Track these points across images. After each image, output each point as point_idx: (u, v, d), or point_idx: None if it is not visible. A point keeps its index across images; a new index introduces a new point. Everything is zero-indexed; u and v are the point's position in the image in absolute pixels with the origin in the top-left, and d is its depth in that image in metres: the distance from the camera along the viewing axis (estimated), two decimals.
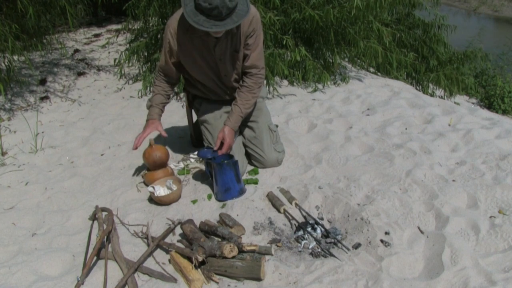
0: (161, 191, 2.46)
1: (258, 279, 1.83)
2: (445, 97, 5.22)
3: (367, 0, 4.00)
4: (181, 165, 2.81)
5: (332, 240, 2.08)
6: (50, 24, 4.46)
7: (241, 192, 2.41)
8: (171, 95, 2.70)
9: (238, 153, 2.59)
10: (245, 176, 2.65)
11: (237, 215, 2.28)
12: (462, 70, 5.77)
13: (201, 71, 2.46)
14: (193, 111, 2.90)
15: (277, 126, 2.98)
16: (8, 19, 3.78)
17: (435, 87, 5.48)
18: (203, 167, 2.77)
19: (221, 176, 2.35)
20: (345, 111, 3.59)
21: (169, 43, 2.35)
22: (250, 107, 2.52)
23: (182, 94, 4.09)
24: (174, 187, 2.47)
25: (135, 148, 2.51)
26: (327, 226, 2.22)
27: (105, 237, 2.08)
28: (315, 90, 4.12)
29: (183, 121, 3.42)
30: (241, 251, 1.93)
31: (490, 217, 2.19)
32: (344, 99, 3.95)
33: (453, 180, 2.52)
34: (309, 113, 3.62)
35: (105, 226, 2.16)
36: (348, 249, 2.00)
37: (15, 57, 4.35)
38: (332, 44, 4.28)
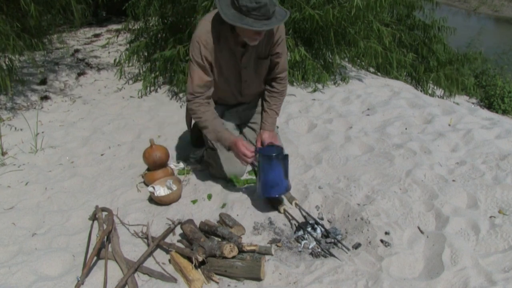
0: (161, 191, 2.46)
1: (258, 279, 1.83)
2: (445, 97, 5.22)
3: (367, 0, 4.00)
4: (181, 165, 2.81)
5: (332, 240, 2.08)
6: (52, 23, 4.47)
7: (288, 188, 2.23)
8: None
9: None
10: (245, 176, 2.65)
11: (237, 215, 2.28)
12: (462, 71, 5.78)
13: (224, 78, 2.43)
14: None
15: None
16: (9, 18, 3.79)
17: (435, 87, 5.48)
18: (202, 167, 2.77)
19: (269, 171, 2.15)
20: (345, 111, 3.59)
21: (203, 54, 2.23)
22: (280, 108, 2.63)
23: (182, 94, 4.09)
24: (174, 187, 2.47)
25: (251, 162, 2.29)
26: (327, 226, 2.22)
27: (105, 237, 2.08)
28: (315, 90, 4.12)
29: (183, 121, 3.42)
30: (241, 251, 1.93)
31: (490, 217, 2.19)
32: (344, 99, 3.94)
33: (453, 180, 2.52)
34: (309, 113, 3.62)
35: (105, 226, 2.16)
36: (348, 249, 2.00)
37: (16, 57, 4.36)
38: (332, 44, 4.28)
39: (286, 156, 2.19)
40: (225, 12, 2.06)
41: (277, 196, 2.21)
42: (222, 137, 2.33)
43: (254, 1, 1.98)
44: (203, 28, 2.23)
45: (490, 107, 6.06)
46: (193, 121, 2.95)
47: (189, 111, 2.38)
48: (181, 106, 3.88)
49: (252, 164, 2.30)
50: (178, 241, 2.10)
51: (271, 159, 2.15)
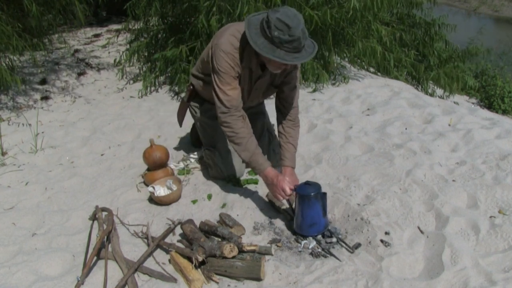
0: (161, 191, 2.47)
1: (258, 279, 1.83)
2: (445, 97, 5.22)
3: (365, 1, 4.00)
4: (181, 165, 2.81)
5: (332, 240, 2.08)
6: (54, 23, 4.47)
7: (326, 226, 2.14)
8: None
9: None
10: (245, 176, 2.65)
11: (237, 215, 2.28)
12: (462, 67, 5.78)
13: None
14: (188, 110, 2.83)
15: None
16: (10, 18, 3.79)
17: (435, 86, 5.48)
18: (202, 167, 2.77)
19: (307, 210, 2.08)
20: (345, 111, 3.59)
21: (232, 65, 2.15)
22: (297, 142, 2.44)
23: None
24: (174, 187, 2.47)
25: (288, 197, 2.18)
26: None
27: (105, 237, 2.08)
28: (315, 90, 4.12)
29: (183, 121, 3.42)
30: (241, 251, 1.93)
31: (490, 217, 2.19)
32: (344, 99, 3.94)
33: (453, 180, 2.52)
34: (309, 113, 3.62)
35: (105, 226, 2.16)
36: (352, 251, 1.99)
37: (17, 57, 4.36)
38: (330, 44, 4.28)
39: (324, 194, 2.12)
40: (255, 40, 1.99)
41: (315, 235, 2.11)
42: (257, 160, 2.21)
43: (288, 33, 1.92)
44: (228, 40, 2.15)
45: (490, 107, 6.06)
46: (184, 120, 2.90)
47: (221, 125, 2.24)
48: None
49: (287, 200, 2.24)
50: (178, 241, 2.10)
51: (310, 198, 2.07)
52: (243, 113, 2.27)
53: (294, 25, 1.92)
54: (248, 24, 2.03)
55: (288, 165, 2.33)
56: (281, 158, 2.37)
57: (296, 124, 2.43)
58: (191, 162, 2.83)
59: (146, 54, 4.77)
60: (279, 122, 2.43)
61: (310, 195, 2.06)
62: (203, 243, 1.91)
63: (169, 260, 1.98)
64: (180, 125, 2.89)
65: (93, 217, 2.33)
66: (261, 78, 2.32)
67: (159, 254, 2.04)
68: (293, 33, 1.92)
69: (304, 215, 2.09)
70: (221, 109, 2.20)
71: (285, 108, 2.40)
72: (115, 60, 4.90)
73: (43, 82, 4.50)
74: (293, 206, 2.19)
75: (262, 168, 2.20)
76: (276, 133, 2.58)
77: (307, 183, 2.15)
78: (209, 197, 2.46)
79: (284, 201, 2.30)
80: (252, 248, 1.94)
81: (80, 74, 4.80)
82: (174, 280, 1.85)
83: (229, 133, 2.23)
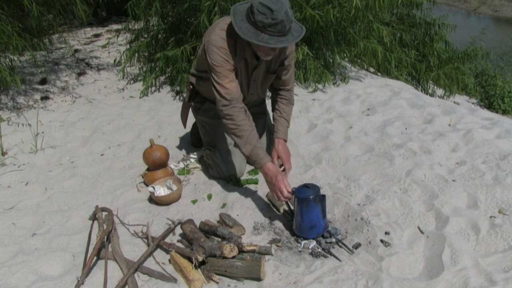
0: (161, 191, 2.47)
1: (258, 279, 1.83)
2: (445, 97, 5.22)
3: (367, 0, 4.00)
4: (181, 165, 2.81)
5: (332, 240, 2.08)
6: (54, 23, 4.49)
7: (326, 227, 2.13)
8: None
9: (238, 153, 2.58)
10: (245, 176, 2.65)
11: (237, 215, 2.28)
12: (462, 69, 5.77)
13: None
14: (190, 109, 2.84)
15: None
16: (9, 17, 3.79)
17: (435, 87, 5.48)
18: (202, 167, 2.77)
19: (307, 213, 2.06)
20: (345, 111, 3.59)
21: (225, 58, 2.16)
22: (290, 118, 2.55)
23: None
24: (174, 187, 2.47)
25: (287, 200, 2.17)
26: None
27: (105, 237, 2.08)
28: (315, 90, 4.12)
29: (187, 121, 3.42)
30: (241, 251, 1.93)
31: (490, 217, 2.19)
32: (344, 99, 3.94)
33: (453, 180, 2.52)
34: (309, 113, 3.62)
35: (105, 226, 2.16)
36: (352, 252, 1.99)
37: (17, 57, 4.36)
38: (332, 43, 4.28)
39: (323, 196, 2.10)
40: (240, 26, 2.00)
41: (315, 237, 2.10)
42: (258, 154, 2.18)
43: (270, 17, 1.93)
44: (218, 35, 2.15)
45: (490, 107, 6.05)
46: (187, 120, 2.91)
47: (223, 118, 2.22)
48: None
49: (286, 202, 2.24)
50: (178, 241, 2.10)
51: (309, 201, 2.05)
52: (244, 106, 2.27)
53: (276, 8, 1.93)
54: (234, 13, 2.06)
55: (280, 137, 2.43)
56: (274, 130, 2.47)
57: (291, 102, 2.55)
58: (191, 162, 2.83)
59: (146, 54, 4.77)
60: (274, 100, 2.54)
61: (309, 198, 2.05)
62: (203, 243, 1.91)
63: (169, 260, 1.98)
64: (184, 125, 2.90)
65: (93, 217, 2.33)
66: (257, 68, 2.33)
67: (159, 254, 2.04)
68: (275, 16, 1.93)
69: (304, 218, 2.08)
70: (222, 102, 2.20)
71: (280, 91, 2.52)
72: (115, 60, 4.90)
73: (43, 82, 4.51)
74: (292, 208, 2.18)
75: (263, 162, 2.19)
76: (269, 108, 2.69)
77: (305, 186, 2.13)
78: (209, 197, 2.47)
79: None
80: (252, 248, 1.94)
81: (80, 74, 4.80)
82: (174, 280, 1.85)
83: (231, 125, 2.21)
